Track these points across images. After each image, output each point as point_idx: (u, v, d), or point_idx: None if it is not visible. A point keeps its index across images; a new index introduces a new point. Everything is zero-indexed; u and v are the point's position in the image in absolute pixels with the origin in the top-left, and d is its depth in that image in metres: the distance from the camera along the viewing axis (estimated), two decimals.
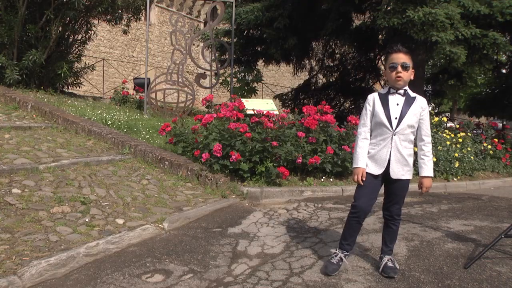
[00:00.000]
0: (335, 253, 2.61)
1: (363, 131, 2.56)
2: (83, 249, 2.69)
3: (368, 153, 2.53)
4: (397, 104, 2.45)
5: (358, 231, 2.63)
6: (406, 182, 2.50)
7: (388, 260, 2.56)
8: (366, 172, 2.50)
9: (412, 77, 2.50)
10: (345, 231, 2.62)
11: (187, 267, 2.62)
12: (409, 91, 2.51)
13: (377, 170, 2.48)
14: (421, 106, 2.48)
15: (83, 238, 2.88)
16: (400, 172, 2.46)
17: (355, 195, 2.56)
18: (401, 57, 2.42)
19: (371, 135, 2.55)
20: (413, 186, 6.02)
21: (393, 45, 2.49)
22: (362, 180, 2.49)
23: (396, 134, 2.44)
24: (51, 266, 2.47)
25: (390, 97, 2.48)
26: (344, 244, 2.61)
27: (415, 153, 2.57)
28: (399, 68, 2.41)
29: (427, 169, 2.48)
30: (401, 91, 2.47)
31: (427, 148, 2.50)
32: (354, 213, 2.54)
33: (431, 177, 2.50)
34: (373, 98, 2.54)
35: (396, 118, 2.43)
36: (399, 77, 2.41)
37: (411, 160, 2.50)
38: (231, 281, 2.43)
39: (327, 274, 2.52)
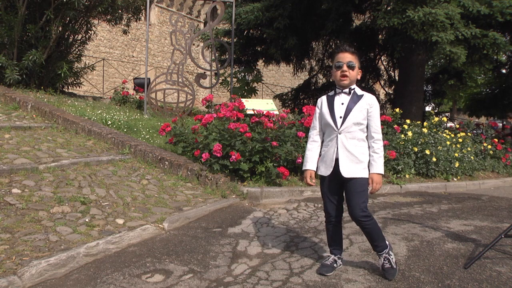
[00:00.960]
0: (329, 256, 2.64)
1: (312, 134, 2.61)
2: (83, 249, 2.69)
3: (320, 155, 2.57)
4: (342, 104, 2.47)
5: (340, 234, 2.64)
6: (360, 180, 2.42)
7: (384, 259, 2.50)
8: (321, 176, 2.54)
9: (359, 77, 2.51)
10: (327, 237, 2.67)
11: (187, 267, 2.62)
12: (357, 90, 2.50)
13: (326, 171, 2.49)
14: (368, 103, 2.45)
15: (83, 238, 2.88)
16: (352, 170, 2.41)
17: (322, 200, 2.64)
18: (347, 57, 2.44)
19: (323, 138, 2.59)
20: (413, 186, 6.00)
21: (340, 45, 2.57)
22: (312, 182, 2.55)
23: (342, 133, 2.43)
24: (51, 266, 2.47)
25: (336, 97, 2.51)
26: (331, 250, 2.65)
27: None
28: (345, 67, 2.43)
29: (377, 166, 2.43)
30: (346, 90, 2.48)
31: (376, 145, 2.46)
32: (326, 218, 2.63)
33: (381, 174, 2.44)
34: (321, 101, 2.59)
35: (340, 117, 2.44)
36: (345, 76, 2.43)
37: (365, 158, 2.45)
38: (231, 281, 2.43)
39: (322, 274, 2.52)
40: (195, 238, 3.19)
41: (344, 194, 2.53)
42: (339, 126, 2.44)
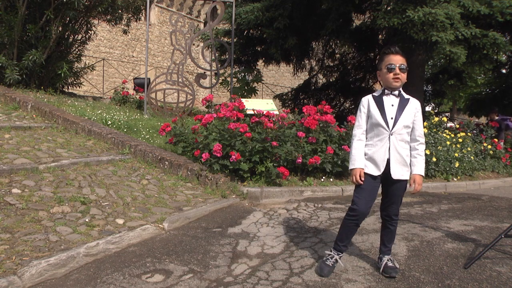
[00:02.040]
0: (330, 254, 2.61)
1: (358, 132, 2.57)
2: (83, 249, 2.69)
3: (366, 154, 2.53)
4: (392, 105, 2.48)
5: (355, 233, 2.64)
6: (405, 182, 2.52)
7: (388, 260, 2.57)
8: (365, 173, 2.50)
9: (405, 80, 2.53)
10: (341, 233, 2.62)
11: (187, 267, 2.62)
12: (403, 93, 2.53)
13: (376, 171, 2.48)
14: (415, 107, 2.52)
15: (83, 238, 2.88)
16: (400, 172, 2.47)
17: (354, 198, 2.56)
18: (399, 59, 2.45)
19: (366, 137, 2.56)
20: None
21: (391, 47, 2.51)
22: (361, 181, 2.49)
23: (393, 134, 2.45)
24: (51, 266, 2.47)
25: (385, 98, 2.51)
26: (340, 246, 2.62)
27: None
28: (397, 70, 2.43)
29: (420, 167, 2.50)
30: (396, 92, 2.50)
31: (421, 147, 2.52)
32: (352, 216, 2.53)
33: (423, 176, 2.51)
34: (367, 100, 2.57)
35: (392, 118, 2.45)
36: (397, 78, 2.44)
37: (409, 161, 2.51)
38: (231, 281, 2.43)
39: (322, 276, 2.51)
40: (195, 238, 3.19)
41: (384, 194, 2.58)
42: (390, 127, 2.45)
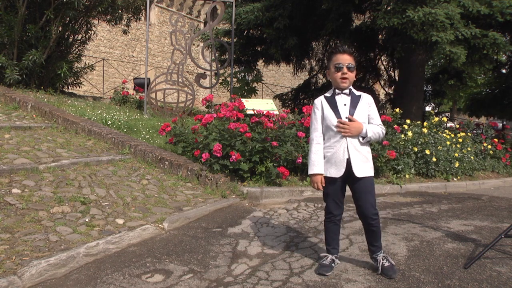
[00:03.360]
0: (326, 255, 2.63)
1: (316, 136, 2.55)
2: (83, 249, 2.69)
3: (325, 157, 2.51)
4: (345, 104, 2.48)
5: (338, 233, 2.65)
6: (371, 178, 2.48)
7: (383, 259, 2.52)
8: (326, 177, 2.50)
9: (355, 78, 2.53)
10: (326, 236, 2.65)
11: (187, 267, 2.62)
12: (354, 90, 2.53)
13: (337, 173, 2.46)
14: (367, 102, 2.52)
15: (83, 238, 2.88)
16: (363, 169, 2.44)
17: (324, 200, 2.61)
18: (346, 58, 2.44)
19: (324, 139, 2.54)
20: (413, 186, 6.00)
21: (338, 46, 2.52)
22: (322, 186, 2.50)
23: None
24: (51, 266, 2.47)
25: (337, 98, 2.51)
26: (329, 249, 2.63)
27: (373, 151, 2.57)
28: (345, 69, 2.44)
29: (369, 126, 2.46)
30: (346, 91, 2.50)
31: (380, 126, 2.52)
32: (328, 218, 2.60)
33: (363, 131, 2.43)
34: (320, 102, 2.56)
35: (346, 118, 2.45)
36: (345, 78, 2.44)
37: (370, 157, 2.50)
38: (231, 281, 2.43)
39: (322, 274, 2.52)
40: (195, 238, 3.19)
41: (353, 194, 2.54)
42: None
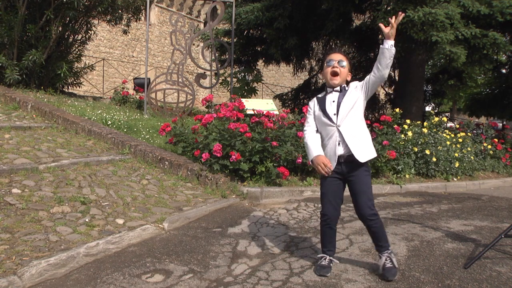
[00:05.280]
0: (323, 256, 2.62)
1: (309, 129, 2.57)
2: (83, 249, 2.69)
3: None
4: (333, 101, 2.48)
5: (335, 236, 2.65)
6: (367, 178, 2.47)
7: (386, 259, 2.49)
8: (323, 178, 2.52)
9: (349, 78, 2.53)
10: (322, 239, 2.66)
11: (187, 267, 2.62)
12: (346, 87, 2.51)
13: (332, 163, 2.46)
14: (354, 86, 2.50)
15: (83, 238, 2.88)
16: (365, 152, 2.44)
17: (321, 203, 2.61)
18: (338, 56, 2.47)
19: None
20: (413, 186, 5.99)
21: (331, 48, 2.54)
22: (321, 182, 2.53)
23: (341, 126, 2.45)
24: (51, 266, 2.47)
25: (327, 97, 2.52)
26: (325, 251, 2.64)
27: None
28: (335, 64, 2.45)
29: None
30: (338, 89, 2.49)
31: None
32: (323, 221, 2.59)
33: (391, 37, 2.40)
34: (313, 103, 2.59)
35: (334, 114, 2.46)
36: (335, 72, 2.44)
37: (369, 138, 2.51)
38: (231, 281, 2.43)
39: (321, 275, 2.52)
40: (195, 238, 3.19)
41: (351, 195, 2.53)
42: (335, 121, 2.46)
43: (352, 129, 2.45)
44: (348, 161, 2.46)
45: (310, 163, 2.52)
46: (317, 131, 2.57)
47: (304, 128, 2.64)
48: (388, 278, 2.45)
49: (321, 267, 2.57)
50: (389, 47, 2.38)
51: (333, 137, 2.47)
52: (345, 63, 2.47)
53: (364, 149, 2.45)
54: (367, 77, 2.47)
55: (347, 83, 2.55)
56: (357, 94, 2.48)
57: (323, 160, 2.43)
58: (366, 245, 3.11)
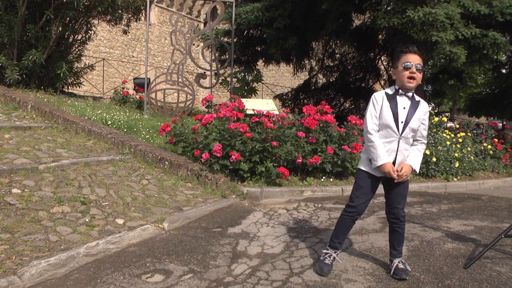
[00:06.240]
0: (328, 253, 2.61)
1: (375, 126, 2.46)
2: (83, 249, 2.69)
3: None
4: (404, 108, 2.42)
5: (350, 230, 2.66)
6: (407, 183, 2.53)
7: (399, 262, 2.53)
8: (367, 173, 2.49)
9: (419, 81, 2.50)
10: (338, 229, 2.62)
11: (187, 267, 2.62)
12: (415, 95, 2.49)
13: (379, 172, 2.45)
14: (424, 110, 2.47)
15: (83, 238, 2.88)
16: (418, 162, 2.48)
17: (352, 195, 2.56)
18: (416, 59, 2.40)
19: None
20: (413, 186, 6.00)
21: (409, 46, 2.44)
22: (358, 178, 2.53)
23: (402, 139, 2.42)
24: (51, 266, 2.47)
25: (398, 99, 2.44)
26: (335, 242, 2.62)
27: None
28: (414, 68, 2.37)
29: (413, 158, 2.46)
30: (409, 94, 2.44)
31: (422, 146, 2.52)
32: (349, 213, 2.55)
33: (414, 169, 2.44)
34: (382, 97, 2.47)
35: (402, 122, 2.41)
36: (413, 77, 2.38)
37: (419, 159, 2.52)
38: (231, 281, 2.43)
39: (322, 275, 2.51)
40: (195, 238, 3.19)
41: (386, 193, 2.55)
42: (400, 131, 2.42)
43: (405, 148, 2.46)
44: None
45: (373, 163, 2.45)
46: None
47: (369, 125, 2.46)
48: (401, 276, 2.46)
49: (324, 265, 2.56)
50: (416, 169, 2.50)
51: (392, 144, 2.43)
52: (421, 66, 2.40)
53: (418, 160, 2.47)
54: (421, 125, 2.48)
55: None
56: (420, 120, 2.46)
57: (393, 168, 2.41)
58: (366, 245, 3.11)
